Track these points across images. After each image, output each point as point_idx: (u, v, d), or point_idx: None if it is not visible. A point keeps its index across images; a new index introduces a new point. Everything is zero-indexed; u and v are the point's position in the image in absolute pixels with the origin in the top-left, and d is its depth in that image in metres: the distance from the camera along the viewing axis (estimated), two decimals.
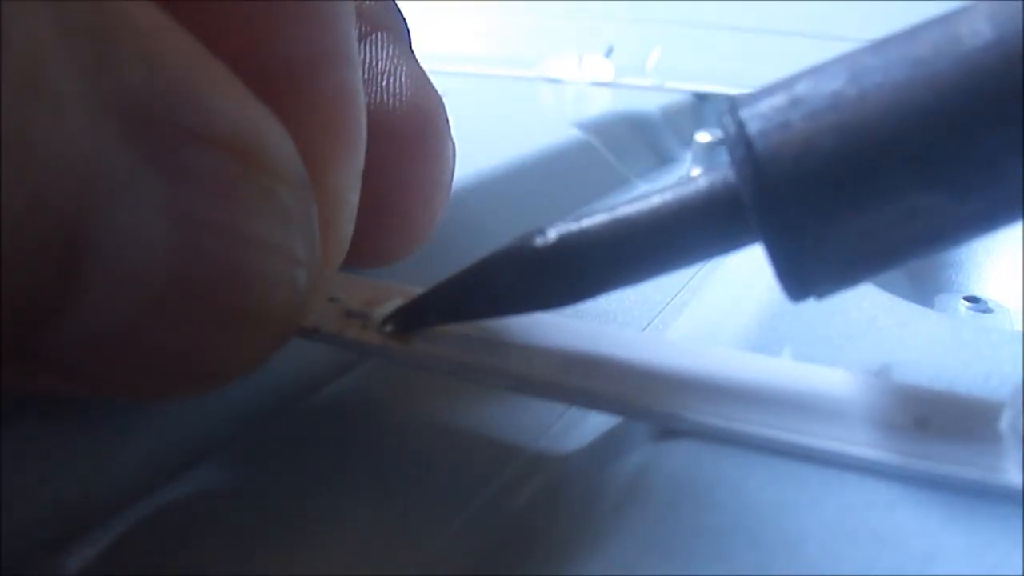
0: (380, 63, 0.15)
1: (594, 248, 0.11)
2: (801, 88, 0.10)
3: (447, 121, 0.16)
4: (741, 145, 0.10)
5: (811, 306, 0.16)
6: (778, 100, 0.10)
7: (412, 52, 0.17)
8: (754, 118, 0.10)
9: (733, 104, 0.11)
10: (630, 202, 0.11)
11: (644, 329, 0.18)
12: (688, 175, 0.31)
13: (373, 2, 0.16)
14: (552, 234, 0.11)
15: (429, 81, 0.16)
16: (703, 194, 0.11)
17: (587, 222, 0.11)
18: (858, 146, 0.10)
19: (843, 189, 0.10)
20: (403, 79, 0.15)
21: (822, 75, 0.10)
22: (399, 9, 0.17)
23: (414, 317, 0.12)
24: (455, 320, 0.12)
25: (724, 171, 0.11)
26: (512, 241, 0.12)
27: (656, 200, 0.11)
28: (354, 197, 0.13)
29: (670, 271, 0.11)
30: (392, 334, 0.12)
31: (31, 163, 0.08)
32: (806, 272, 0.10)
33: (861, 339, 0.15)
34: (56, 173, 0.08)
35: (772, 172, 0.10)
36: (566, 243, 0.11)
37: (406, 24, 0.17)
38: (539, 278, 0.11)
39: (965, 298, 0.22)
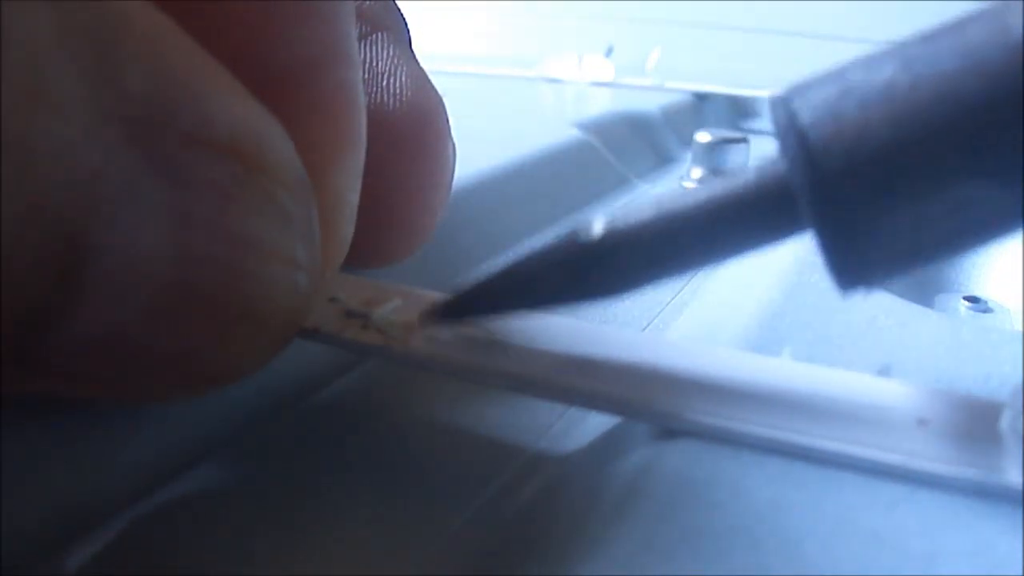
0: (380, 63, 0.15)
1: (642, 242, 0.11)
2: (852, 78, 0.10)
3: (447, 121, 0.16)
4: (793, 136, 0.10)
5: (811, 306, 0.17)
6: (830, 90, 0.10)
7: (412, 52, 0.17)
8: (806, 108, 0.10)
9: (785, 95, 0.10)
10: (679, 195, 0.11)
11: (644, 329, 0.18)
12: (688, 175, 0.31)
13: (373, 2, 0.16)
14: (599, 228, 0.11)
15: (429, 81, 0.16)
16: (752, 186, 0.11)
17: (634, 216, 0.11)
18: (911, 136, 0.10)
19: (896, 179, 0.10)
20: (403, 79, 0.15)
21: (873, 65, 0.10)
22: (399, 9, 0.17)
23: (459, 310, 0.12)
24: (500, 313, 0.12)
25: (773, 163, 0.11)
26: (560, 236, 0.12)
27: (704, 193, 0.11)
28: (354, 198, 0.13)
29: (718, 263, 0.11)
30: (392, 333, 0.12)
31: (31, 167, 0.08)
32: (858, 263, 0.10)
33: (861, 339, 0.15)
34: (56, 177, 0.08)
35: (825, 163, 0.10)
36: (614, 238, 0.11)
37: (406, 24, 0.17)
38: (586, 272, 0.11)
39: (965, 298, 0.22)
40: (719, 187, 0.11)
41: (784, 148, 0.10)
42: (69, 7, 0.08)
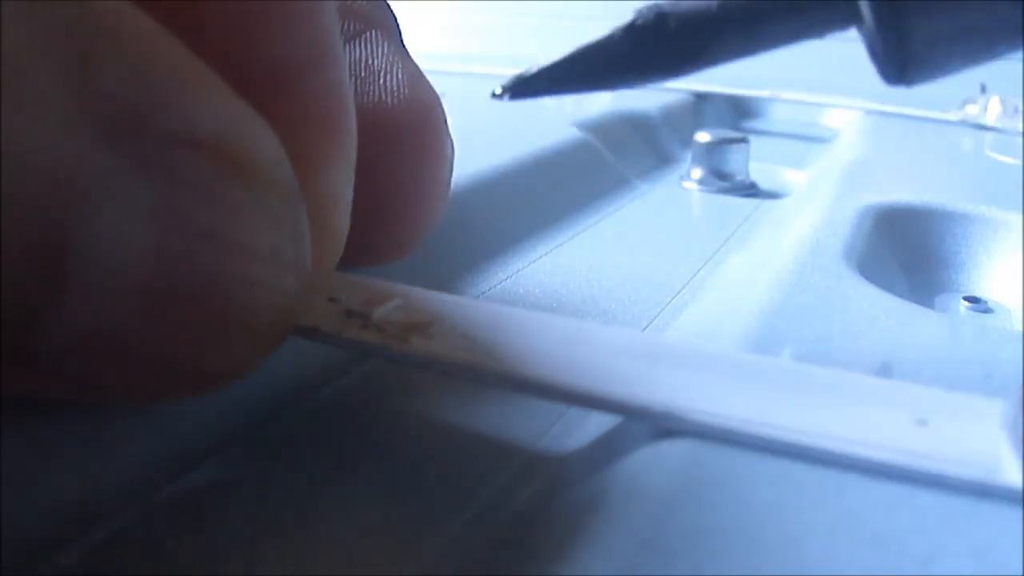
0: (376, 61, 0.15)
1: (705, 17, 0.12)
2: None
3: (445, 118, 0.16)
4: None
5: (811, 306, 0.17)
6: None
7: (406, 49, 0.16)
8: None
9: None
10: None
11: (644, 329, 0.18)
12: (688, 175, 0.31)
13: (364, 0, 0.16)
14: (666, 7, 0.12)
15: (425, 78, 0.16)
16: None
17: None
18: None
19: None
20: (400, 76, 0.15)
21: None
22: (390, 7, 0.17)
23: (529, 85, 0.13)
24: (566, 91, 0.13)
25: None
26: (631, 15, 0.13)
27: None
28: (347, 195, 0.13)
29: (775, 47, 0.12)
30: (392, 333, 0.12)
31: (10, 166, 0.08)
32: (908, 45, 0.10)
33: (861, 339, 0.15)
34: (36, 176, 0.08)
35: None
36: (675, 14, 0.12)
37: (397, 22, 0.17)
38: (652, 44, 0.12)
39: (965, 298, 0.22)
40: None
41: None
42: (47, 7, 0.08)
